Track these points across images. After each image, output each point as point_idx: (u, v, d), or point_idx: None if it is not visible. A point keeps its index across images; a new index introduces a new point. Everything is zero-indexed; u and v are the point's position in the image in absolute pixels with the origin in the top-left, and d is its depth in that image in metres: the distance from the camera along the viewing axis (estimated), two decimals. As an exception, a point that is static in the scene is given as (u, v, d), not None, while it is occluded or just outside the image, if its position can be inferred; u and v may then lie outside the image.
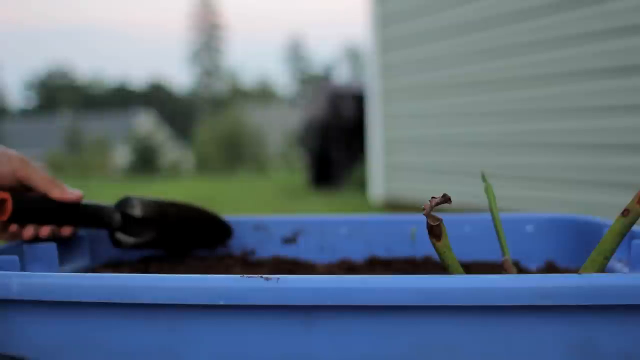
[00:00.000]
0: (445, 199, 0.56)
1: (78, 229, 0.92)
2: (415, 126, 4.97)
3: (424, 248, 0.91)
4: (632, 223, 0.57)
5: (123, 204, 0.92)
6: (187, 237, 0.97)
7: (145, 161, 19.95)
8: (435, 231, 0.57)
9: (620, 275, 0.51)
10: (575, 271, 0.66)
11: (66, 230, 0.90)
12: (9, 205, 0.81)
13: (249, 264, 0.97)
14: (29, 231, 0.86)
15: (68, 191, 0.86)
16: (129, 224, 0.91)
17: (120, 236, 0.91)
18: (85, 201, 0.89)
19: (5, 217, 0.82)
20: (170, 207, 0.95)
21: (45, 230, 0.87)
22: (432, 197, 0.56)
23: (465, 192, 3.18)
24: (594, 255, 0.59)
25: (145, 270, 0.92)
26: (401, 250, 0.93)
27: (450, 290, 0.50)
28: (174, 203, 0.97)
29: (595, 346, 0.50)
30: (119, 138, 25.01)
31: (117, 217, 0.91)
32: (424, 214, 0.56)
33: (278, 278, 0.53)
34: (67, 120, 29.45)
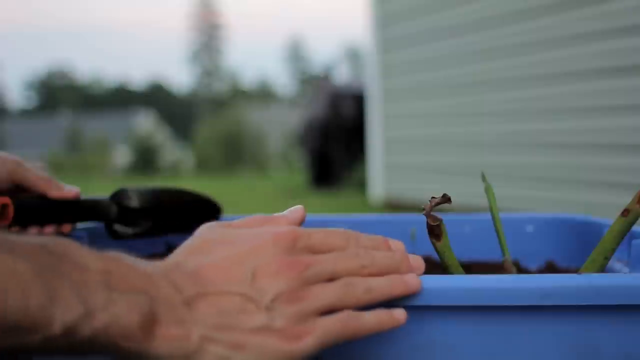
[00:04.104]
0: (445, 199, 0.56)
1: (76, 225, 0.93)
2: (415, 126, 4.97)
3: (424, 248, 0.91)
4: (632, 223, 0.57)
5: (119, 196, 0.93)
6: (181, 221, 0.99)
7: (145, 161, 19.97)
8: (435, 231, 0.57)
9: (620, 275, 0.51)
10: (575, 271, 0.65)
11: (66, 228, 0.90)
12: (11, 210, 0.81)
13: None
14: (33, 233, 0.86)
15: (66, 189, 0.86)
16: (126, 215, 0.92)
17: (118, 227, 0.92)
18: (82, 197, 0.90)
19: (7, 222, 0.81)
20: (163, 193, 0.97)
21: (49, 230, 0.87)
22: (432, 197, 0.56)
23: (465, 192, 3.18)
24: (594, 255, 0.59)
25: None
26: (401, 250, 0.93)
27: (450, 290, 0.50)
28: (166, 189, 0.98)
29: (595, 346, 0.50)
30: (119, 138, 25.02)
31: (114, 209, 0.92)
32: (424, 214, 0.56)
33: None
34: (67, 120, 29.47)
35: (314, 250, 0.48)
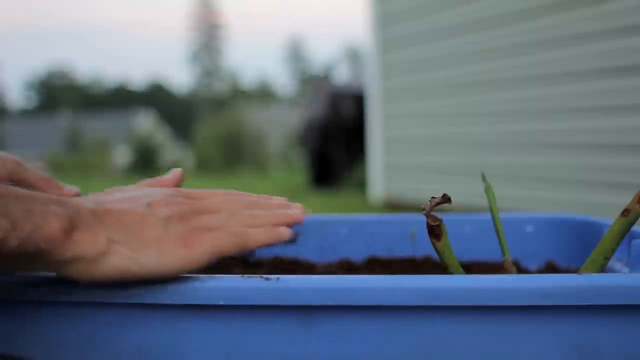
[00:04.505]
0: (445, 199, 0.56)
1: None
2: (415, 126, 4.98)
3: (424, 248, 0.91)
4: (632, 223, 0.57)
5: None
6: None
7: (146, 161, 19.95)
8: (435, 231, 0.57)
9: (620, 275, 0.51)
10: (575, 271, 0.66)
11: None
12: None
13: (249, 264, 0.97)
14: None
15: (66, 189, 0.86)
16: None
17: None
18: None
19: None
20: None
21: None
22: (432, 197, 0.56)
23: (465, 192, 3.18)
24: (594, 255, 0.59)
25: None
26: (401, 250, 0.93)
27: (450, 290, 0.50)
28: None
29: (595, 346, 0.50)
30: (119, 138, 25.03)
31: None
32: (424, 214, 0.56)
33: (278, 278, 0.53)
34: (67, 120, 29.48)
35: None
